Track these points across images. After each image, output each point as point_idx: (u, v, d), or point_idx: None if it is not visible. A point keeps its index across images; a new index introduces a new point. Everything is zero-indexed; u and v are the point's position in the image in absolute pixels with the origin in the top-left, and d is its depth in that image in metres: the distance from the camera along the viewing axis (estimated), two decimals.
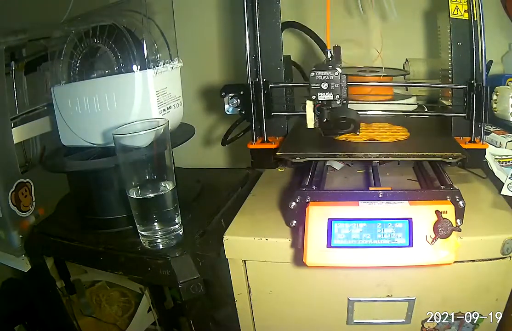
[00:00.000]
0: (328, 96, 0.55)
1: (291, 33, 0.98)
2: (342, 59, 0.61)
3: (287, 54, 0.73)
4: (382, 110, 0.74)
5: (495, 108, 0.62)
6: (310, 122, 0.59)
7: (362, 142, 0.62)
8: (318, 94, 0.56)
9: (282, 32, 0.68)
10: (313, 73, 0.56)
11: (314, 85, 0.56)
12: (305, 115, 0.59)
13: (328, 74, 0.55)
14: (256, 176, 0.78)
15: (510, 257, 0.53)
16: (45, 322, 0.88)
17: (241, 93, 0.66)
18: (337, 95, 0.55)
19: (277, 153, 0.59)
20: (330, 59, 0.57)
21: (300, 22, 0.86)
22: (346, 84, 0.55)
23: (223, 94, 0.66)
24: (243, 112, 0.67)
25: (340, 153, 0.59)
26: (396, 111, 0.76)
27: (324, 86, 0.55)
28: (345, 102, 0.56)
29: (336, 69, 0.55)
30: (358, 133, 0.60)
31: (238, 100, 0.66)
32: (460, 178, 0.67)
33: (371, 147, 0.60)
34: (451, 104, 0.67)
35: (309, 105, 0.58)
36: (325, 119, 0.57)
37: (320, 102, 0.56)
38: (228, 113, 0.67)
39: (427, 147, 0.59)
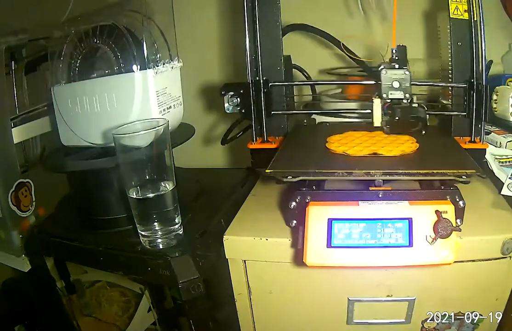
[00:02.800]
0: (399, 95, 0.56)
1: (291, 34, 0.98)
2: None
3: (287, 54, 0.73)
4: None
5: (495, 108, 0.62)
6: (377, 121, 0.59)
7: (363, 156, 0.57)
8: (389, 92, 0.56)
9: (285, 34, 0.68)
10: (384, 71, 0.56)
11: (385, 83, 0.56)
12: (304, 116, 0.59)
13: (399, 72, 0.56)
14: (256, 176, 0.78)
15: (510, 257, 0.53)
16: (45, 322, 0.88)
17: (241, 91, 0.66)
18: (407, 94, 0.56)
19: (266, 171, 0.53)
20: (396, 58, 0.58)
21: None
22: (411, 84, 0.56)
23: (223, 93, 0.66)
24: (243, 111, 0.67)
25: (339, 171, 0.52)
26: None
27: (396, 84, 0.56)
28: (411, 101, 0.57)
29: (407, 68, 0.55)
30: (424, 132, 0.59)
31: (238, 99, 0.66)
32: None
33: (373, 163, 0.55)
34: (451, 103, 0.67)
35: (377, 103, 0.59)
36: (397, 118, 0.57)
37: (390, 100, 0.57)
38: (228, 112, 0.67)
39: (437, 162, 0.54)
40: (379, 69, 0.58)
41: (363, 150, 0.58)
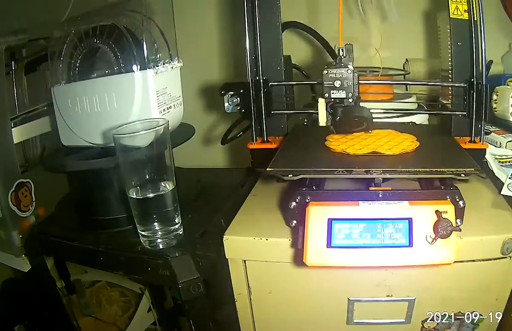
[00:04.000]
0: (341, 94, 0.56)
1: (291, 34, 0.98)
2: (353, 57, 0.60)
3: (287, 54, 0.73)
4: (382, 109, 0.74)
5: (495, 108, 0.62)
6: (322, 120, 0.59)
7: (363, 155, 0.57)
8: (331, 92, 0.56)
9: (282, 32, 0.68)
10: (326, 71, 0.56)
11: (327, 83, 0.56)
12: (303, 116, 0.59)
13: (341, 72, 0.55)
14: (256, 176, 0.78)
15: (510, 257, 0.53)
16: (45, 322, 0.88)
17: (241, 91, 0.66)
18: (350, 93, 0.56)
19: (267, 169, 0.54)
20: (343, 57, 0.57)
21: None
22: (358, 83, 0.56)
23: (223, 92, 0.66)
24: (243, 110, 0.67)
25: (339, 169, 0.52)
26: (396, 109, 0.76)
27: (337, 84, 0.55)
28: (357, 100, 0.56)
29: (349, 67, 0.55)
30: (370, 131, 0.59)
31: (238, 99, 0.66)
32: None
33: (373, 162, 0.55)
34: (450, 103, 0.67)
35: (321, 103, 0.58)
36: (338, 117, 0.57)
37: (332, 100, 0.56)
38: (228, 111, 0.67)
39: (436, 161, 0.55)
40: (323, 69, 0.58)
41: (363, 148, 0.58)
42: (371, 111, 0.70)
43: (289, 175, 0.52)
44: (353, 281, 0.58)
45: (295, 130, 0.72)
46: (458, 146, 0.61)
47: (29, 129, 0.86)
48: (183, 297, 0.61)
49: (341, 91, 0.56)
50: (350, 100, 0.56)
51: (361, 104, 0.59)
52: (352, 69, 0.55)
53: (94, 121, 0.69)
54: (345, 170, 0.52)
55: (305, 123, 0.76)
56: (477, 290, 0.56)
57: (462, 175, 0.50)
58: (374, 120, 0.66)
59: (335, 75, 0.56)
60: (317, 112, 0.72)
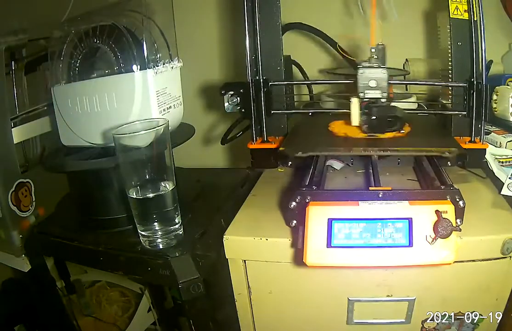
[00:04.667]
0: (376, 94, 0.56)
1: (291, 33, 0.98)
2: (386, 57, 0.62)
3: (287, 54, 0.73)
4: None
5: (495, 108, 0.62)
6: (355, 120, 0.59)
7: (362, 138, 0.62)
8: (366, 91, 0.56)
9: (283, 33, 0.68)
10: (362, 71, 0.56)
11: (362, 82, 0.56)
12: (301, 114, 0.59)
13: (377, 72, 0.56)
14: (256, 176, 0.78)
15: (510, 257, 0.53)
16: (45, 322, 0.88)
17: (241, 91, 0.66)
18: (384, 93, 0.56)
19: (280, 148, 0.60)
20: (375, 57, 0.58)
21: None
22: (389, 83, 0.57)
23: (223, 92, 0.66)
24: (243, 110, 0.67)
25: (340, 148, 0.60)
26: None
27: (372, 84, 0.56)
28: (389, 100, 0.58)
29: (384, 68, 0.55)
30: (402, 131, 0.61)
31: (238, 98, 0.66)
32: (460, 178, 0.67)
33: (370, 143, 0.61)
34: (451, 103, 0.67)
35: (355, 102, 0.59)
36: (374, 117, 0.57)
37: (368, 99, 0.57)
38: (228, 111, 0.67)
39: (425, 143, 0.60)
40: (357, 68, 0.58)
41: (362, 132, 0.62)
42: None
43: (299, 153, 0.58)
44: (353, 281, 0.58)
45: (301, 120, 0.75)
46: (447, 134, 0.66)
47: (29, 129, 0.86)
48: (183, 297, 0.61)
49: (376, 91, 0.57)
50: (384, 100, 0.57)
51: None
52: (386, 69, 0.57)
53: (94, 121, 0.69)
54: (346, 149, 0.58)
55: (310, 114, 0.77)
56: (477, 290, 0.56)
57: (446, 153, 0.56)
58: None
59: (371, 75, 0.56)
60: (317, 112, 0.72)
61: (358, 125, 0.60)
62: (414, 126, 0.66)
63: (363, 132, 0.61)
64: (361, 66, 0.57)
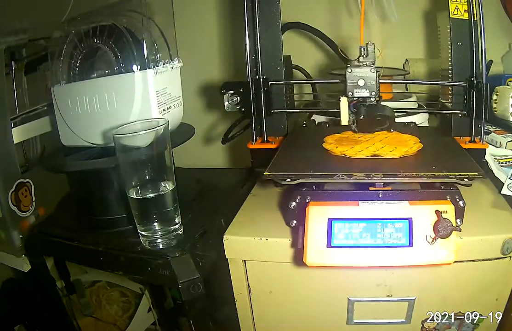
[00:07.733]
0: (365, 93, 0.56)
1: (291, 33, 0.98)
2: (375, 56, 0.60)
3: (287, 54, 0.73)
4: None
5: (495, 108, 0.62)
6: (345, 119, 0.59)
7: (364, 158, 0.56)
8: (355, 90, 0.56)
9: (283, 33, 0.68)
10: (350, 70, 0.56)
11: (350, 81, 0.56)
12: (304, 117, 0.59)
13: (365, 71, 0.55)
14: (256, 176, 0.78)
15: (510, 257, 0.53)
16: (45, 322, 0.88)
17: (241, 90, 0.66)
18: (373, 92, 0.56)
19: (264, 173, 0.53)
20: (364, 56, 0.58)
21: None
22: (379, 82, 0.56)
23: (223, 91, 0.66)
24: (243, 109, 0.67)
25: (338, 174, 0.51)
26: (396, 109, 0.76)
27: (361, 83, 0.55)
28: (378, 99, 0.57)
29: (372, 66, 0.55)
30: (392, 130, 0.60)
31: (238, 98, 0.66)
32: None
33: (374, 166, 0.54)
34: (451, 103, 0.67)
35: (344, 101, 0.58)
36: (362, 116, 0.57)
37: (356, 99, 0.56)
38: (228, 110, 0.67)
39: (439, 164, 0.52)
40: (346, 67, 0.58)
41: (363, 151, 0.58)
42: None
43: (287, 180, 0.51)
44: (353, 281, 0.58)
45: (294, 132, 0.72)
46: (460, 149, 0.60)
47: (29, 129, 0.86)
48: (183, 297, 0.61)
49: (364, 90, 0.56)
50: (373, 99, 0.57)
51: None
52: (375, 68, 0.56)
53: (94, 121, 0.69)
54: (345, 175, 0.51)
55: (304, 124, 0.76)
56: (477, 290, 0.56)
57: (465, 179, 0.49)
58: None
59: (359, 74, 0.56)
60: (316, 111, 0.72)
61: (347, 124, 0.59)
62: (423, 137, 0.61)
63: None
64: (349, 66, 0.57)
